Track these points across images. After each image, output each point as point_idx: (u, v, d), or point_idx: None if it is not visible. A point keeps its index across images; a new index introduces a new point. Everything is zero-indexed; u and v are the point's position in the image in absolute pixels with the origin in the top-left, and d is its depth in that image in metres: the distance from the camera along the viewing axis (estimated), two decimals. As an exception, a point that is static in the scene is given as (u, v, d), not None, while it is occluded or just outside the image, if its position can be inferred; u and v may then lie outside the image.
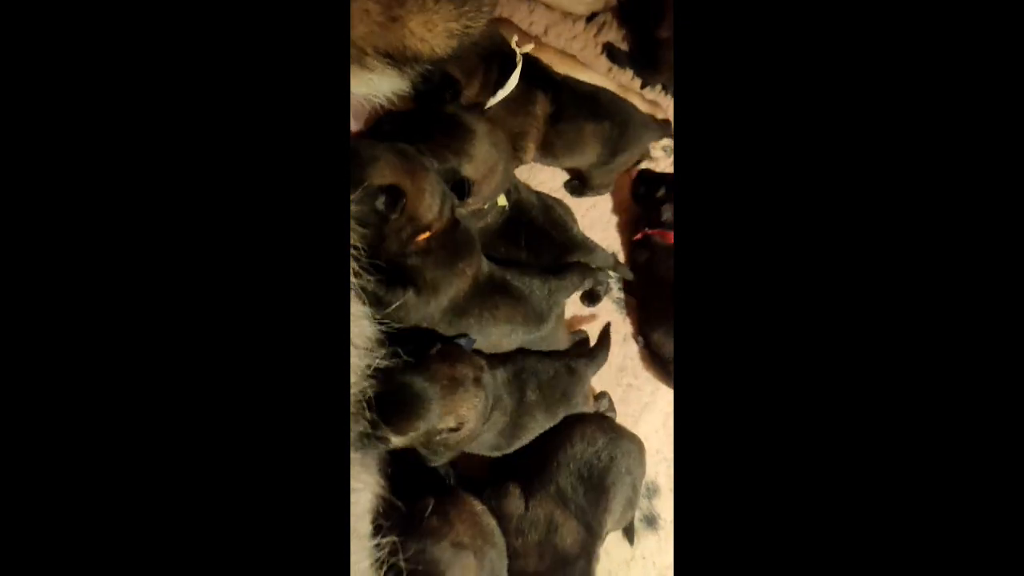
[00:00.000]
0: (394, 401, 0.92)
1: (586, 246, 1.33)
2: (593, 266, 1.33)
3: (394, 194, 0.97)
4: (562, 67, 1.44)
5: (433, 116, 1.11)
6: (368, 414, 0.88)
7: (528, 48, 1.28)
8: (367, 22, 0.93)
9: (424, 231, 1.03)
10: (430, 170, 1.04)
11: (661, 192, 1.42)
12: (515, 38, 1.24)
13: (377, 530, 0.87)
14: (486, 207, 1.23)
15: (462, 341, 1.07)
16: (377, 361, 0.89)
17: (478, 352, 1.13)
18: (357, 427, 0.88)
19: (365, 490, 0.90)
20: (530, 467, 1.18)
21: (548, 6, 1.52)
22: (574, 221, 1.38)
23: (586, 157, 1.39)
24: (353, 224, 0.91)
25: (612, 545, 1.30)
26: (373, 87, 1.06)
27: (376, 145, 1.01)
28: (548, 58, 1.42)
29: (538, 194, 1.34)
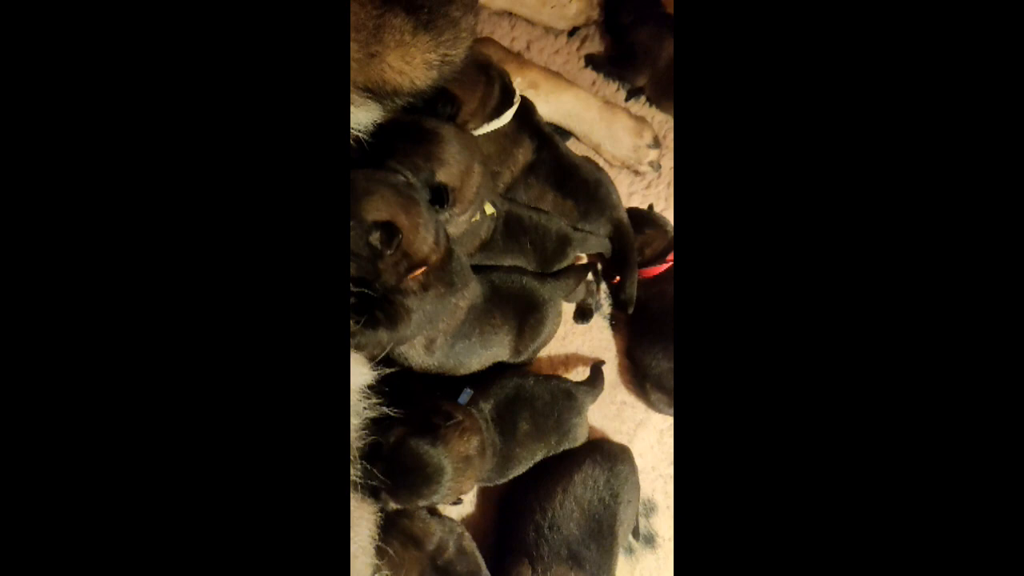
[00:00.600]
0: (405, 474, 0.92)
1: (580, 233, 1.35)
2: (591, 251, 1.38)
3: (390, 231, 0.96)
4: (547, 84, 1.42)
5: (398, 128, 1.08)
6: (360, 463, 0.87)
7: (528, 92, 1.28)
8: (347, 59, 0.91)
9: (420, 266, 1.02)
10: (422, 203, 1.03)
11: None
12: (518, 80, 1.24)
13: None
14: (476, 218, 1.22)
15: (461, 398, 1.06)
16: (367, 411, 0.88)
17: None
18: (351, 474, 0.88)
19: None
20: (534, 531, 1.15)
21: (530, 21, 1.49)
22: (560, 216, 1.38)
23: (552, 208, 1.39)
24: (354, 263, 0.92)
25: (610, 566, 1.30)
26: (354, 120, 1.05)
27: (371, 177, 0.99)
28: (533, 75, 1.41)
29: (520, 202, 1.34)
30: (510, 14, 1.48)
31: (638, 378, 1.41)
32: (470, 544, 1.10)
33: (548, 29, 1.52)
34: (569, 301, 1.40)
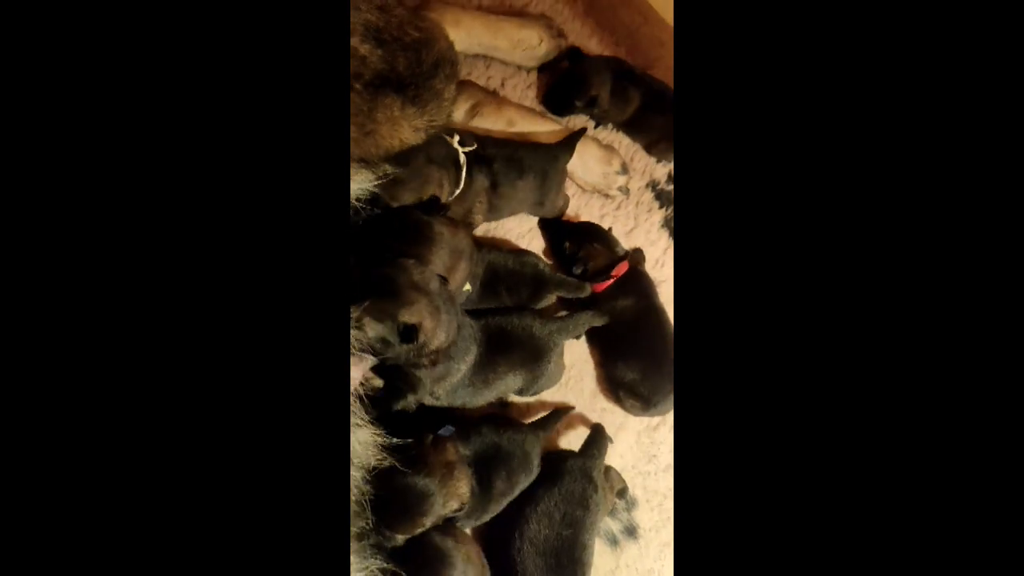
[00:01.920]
0: (396, 505, 1.06)
1: (556, 279, 1.47)
2: (568, 294, 1.49)
3: (413, 333, 1.10)
4: (522, 121, 1.54)
5: (398, 224, 1.22)
6: (368, 514, 1.00)
7: (470, 148, 1.37)
8: (344, 140, 1.03)
9: (432, 355, 1.18)
10: (445, 306, 1.17)
11: (568, 245, 1.53)
12: (456, 138, 1.34)
13: None
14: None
15: (443, 432, 1.20)
16: (375, 462, 1.00)
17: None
18: (356, 526, 1.00)
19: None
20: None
21: (503, 62, 1.60)
22: (542, 260, 1.51)
23: (522, 207, 1.54)
24: (369, 341, 1.03)
25: (597, 556, 1.46)
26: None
27: (414, 284, 1.12)
28: (510, 114, 1.52)
29: (503, 251, 1.46)
30: (485, 56, 1.58)
31: (612, 388, 1.55)
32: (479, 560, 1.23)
33: (520, 68, 1.63)
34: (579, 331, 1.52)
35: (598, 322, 1.49)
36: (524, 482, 1.32)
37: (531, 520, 1.29)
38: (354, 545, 0.97)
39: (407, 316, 1.09)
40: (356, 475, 0.98)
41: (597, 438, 1.42)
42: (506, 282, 1.43)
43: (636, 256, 1.60)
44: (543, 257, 1.55)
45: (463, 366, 1.27)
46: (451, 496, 1.17)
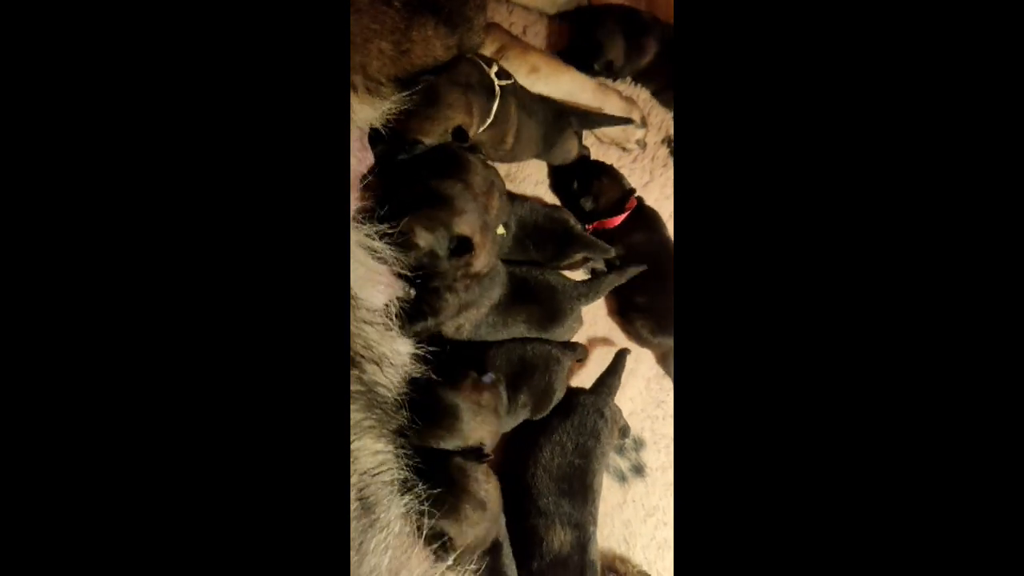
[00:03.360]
0: (428, 414, 1.09)
1: (585, 239, 1.47)
2: (595, 256, 1.50)
3: (467, 246, 1.11)
4: (546, 67, 1.56)
5: (431, 155, 1.22)
6: (404, 413, 1.04)
7: (507, 82, 1.38)
8: (382, 59, 1.05)
9: (473, 276, 1.19)
10: (491, 229, 1.18)
11: (575, 183, 1.54)
12: (493, 69, 1.34)
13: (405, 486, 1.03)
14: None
15: (485, 378, 1.23)
16: (412, 373, 1.04)
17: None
18: (393, 423, 1.04)
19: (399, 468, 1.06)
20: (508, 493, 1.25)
21: (525, 7, 1.62)
22: (573, 218, 1.51)
23: (531, 150, 1.53)
24: (416, 253, 1.05)
25: (605, 491, 1.50)
26: (379, 109, 1.18)
27: (466, 197, 1.14)
28: (534, 59, 1.55)
29: (534, 204, 1.48)
30: (508, 1, 1.61)
31: (624, 311, 1.59)
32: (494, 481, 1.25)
33: (542, 14, 1.65)
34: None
35: (621, 281, 1.50)
36: (546, 405, 1.35)
37: (544, 448, 1.33)
38: (395, 442, 1.00)
39: (461, 227, 1.10)
40: (395, 378, 1.01)
41: (612, 375, 1.46)
42: (534, 237, 1.44)
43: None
44: (572, 215, 1.54)
45: (488, 301, 1.29)
46: (475, 434, 1.18)
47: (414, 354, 1.08)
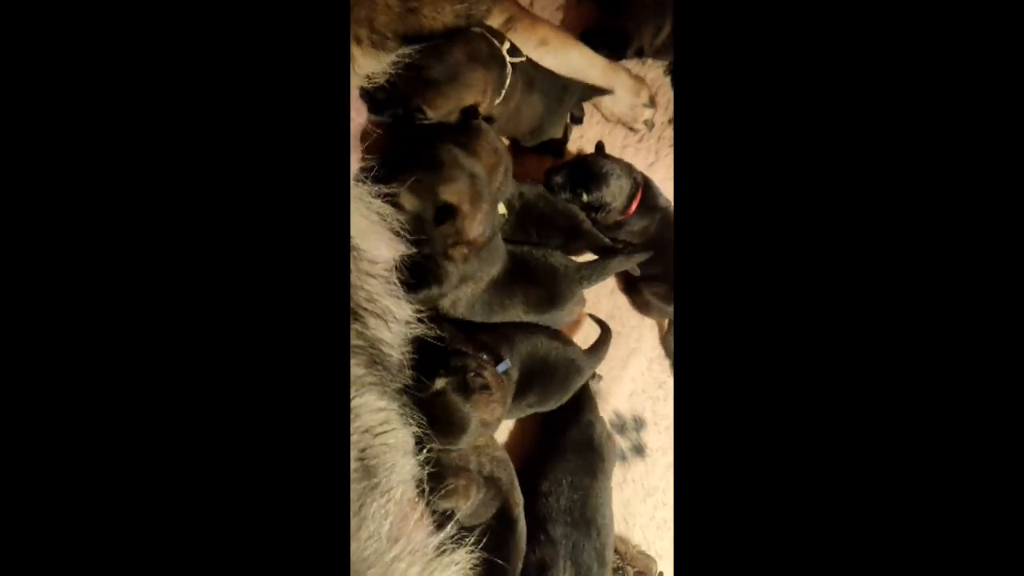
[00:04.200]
0: (439, 421, 1.06)
1: (593, 236, 1.44)
2: (599, 254, 1.45)
3: (450, 212, 1.09)
4: (556, 41, 1.55)
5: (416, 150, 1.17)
6: (409, 374, 1.02)
7: (519, 59, 1.35)
8: (389, 14, 1.03)
9: (466, 245, 1.16)
10: (487, 199, 1.15)
11: (584, 196, 1.43)
12: (505, 45, 1.32)
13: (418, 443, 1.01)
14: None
15: (500, 367, 1.19)
16: (412, 333, 1.02)
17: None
18: (397, 383, 1.02)
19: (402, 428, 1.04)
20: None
21: (536, -21, 1.61)
22: (582, 214, 1.46)
23: (528, 125, 1.48)
24: (408, 216, 1.03)
25: (606, 471, 1.49)
26: (382, 62, 1.16)
27: (460, 164, 1.11)
28: (543, 32, 1.53)
29: (543, 192, 1.44)
30: (518, -28, 1.59)
31: (633, 283, 1.57)
32: (501, 453, 1.24)
33: (552, -13, 1.63)
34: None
35: (626, 266, 1.46)
36: (554, 404, 1.33)
37: (542, 488, 1.29)
38: (398, 401, 0.98)
39: (447, 194, 1.08)
40: (399, 336, 0.98)
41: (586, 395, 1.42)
42: (539, 225, 1.41)
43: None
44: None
45: (486, 276, 1.26)
46: (485, 419, 1.16)
47: (418, 318, 1.06)
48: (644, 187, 1.53)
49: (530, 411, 1.34)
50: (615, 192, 1.44)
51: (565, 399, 1.34)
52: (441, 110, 1.22)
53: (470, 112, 1.26)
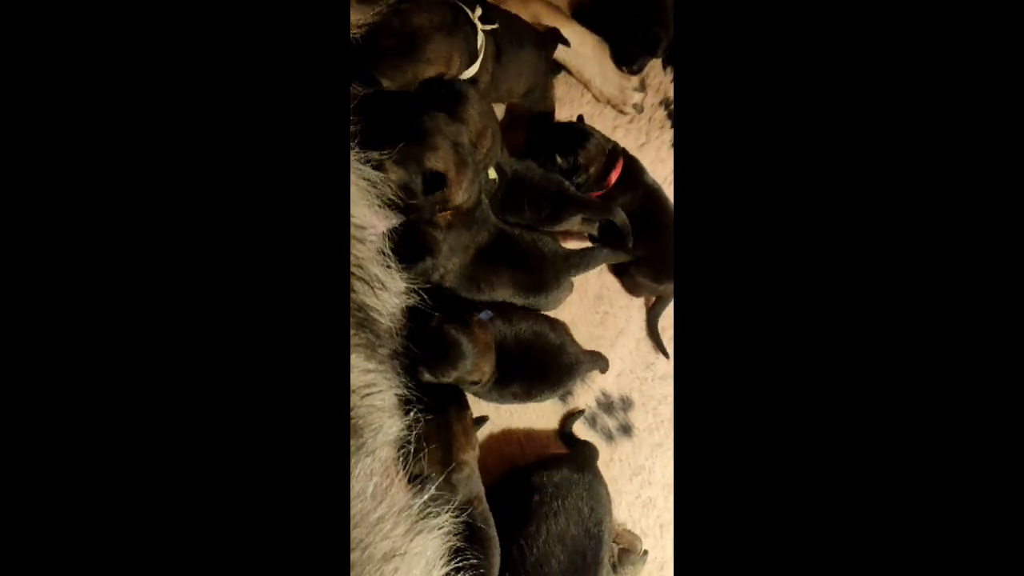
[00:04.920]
0: (439, 349, 1.09)
1: (580, 200, 1.44)
2: (593, 216, 1.47)
3: (438, 181, 1.10)
4: (548, 18, 1.54)
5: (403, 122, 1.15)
6: (399, 339, 1.01)
7: (492, 27, 1.32)
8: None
9: (451, 210, 1.17)
10: (471, 166, 1.16)
11: (560, 159, 1.44)
12: (478, 12, 1.28)
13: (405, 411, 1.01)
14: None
15: (483, 315, 1.22)
16: (407, 303, 1.02)
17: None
18: (385, 348, 1.01)
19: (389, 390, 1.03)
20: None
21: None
22: (567, 181, 1.47)
23: (523, 82, 1.46)
24: (396, 187, 1.03)
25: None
26: (366, 14, 1.11)
27: (443, 132, 1.11)
28: (536, 8, 1.52)
29: (529, 163, 1.44)
30: (512, -52, 1.58)
31: (622, 267, 1.57)
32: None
33: (547, -32, 1.63)
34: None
35: (615, 259, 1.48)
36: (541, 397, 1.34)
37: (559, 512, 1.21)
38: (386, 364, 0.98)
39: (432, 162, 1.08)
40: (389, 304, 0.98)
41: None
42: (529, 194, 1.41)
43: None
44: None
45: (472, 245, 1.26)
46: (476, 370, 1.18)
47: (411, 288, 1.05)
48: (626, 163, 1.53)
49: (514, 401, 1.35)
50: (590, 155, 1.45)
51: (555, 393, 1.34)
52: (397, 82, 1.17)
53: (432, 83, 1.21)
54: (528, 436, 1.47)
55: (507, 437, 1.46)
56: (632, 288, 1.58)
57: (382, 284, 0.97)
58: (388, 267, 1.05)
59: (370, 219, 0.99)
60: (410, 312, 1.08)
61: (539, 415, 1.48)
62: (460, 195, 1.16)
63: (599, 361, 1.47)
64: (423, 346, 1.09)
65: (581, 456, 1.35)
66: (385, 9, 1.08)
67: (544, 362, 1.34)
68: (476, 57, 1.29)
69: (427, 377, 1.10)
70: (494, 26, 1.34)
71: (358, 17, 1.06)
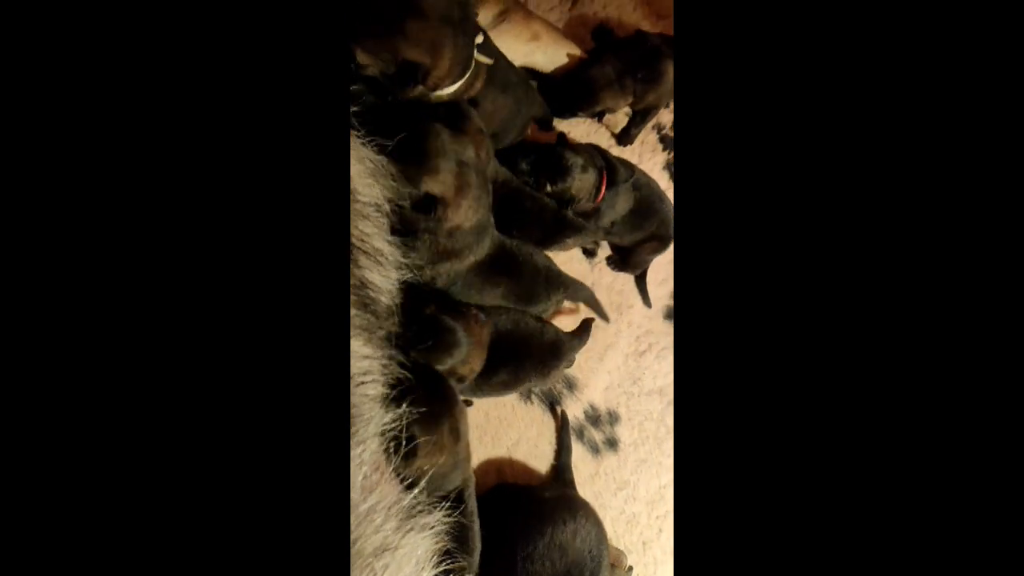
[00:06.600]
0: (433, 338, 1.08)
1: (575, 224, 1.45)
2: (586, 245, 1.54)
3: (432, 204, 1.07)
4: (547, 37, 1.59)
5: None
6: (396, 320, 1.00)
7: (488, 62, 1.31)
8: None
9: (450, 231, 1.15)
10: (474, 187, 1.13)
11: (548, 185, 1.42)
12: (480, 38, 1.26)
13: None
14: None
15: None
16: (403, 277, 1.02)
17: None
18: (383, 329, 1.00)
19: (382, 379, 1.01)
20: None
21: (532, -22, 1.66)
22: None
23: (491, 122, 1.39)
24: (393, 196, 1.01)
25: (579, 460, 1.47)
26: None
27: (446, 154, 1.07)
28: (537, 27, 1.57)
29: (521, 186, 1.43)
30: (515, -31, 1.63)
31: (625, 257, 1.63)
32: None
33: (547, -11, 1.68)
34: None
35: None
36: (529, 383, 1.33)
37: (568, 525, 1.22)
38: (382, 351, 0.96)
39: (429, 185, 1.06)
40: (389, 280, 0.97)
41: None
42: (518, 222, 1.40)
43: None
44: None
45: (472, 257, 1.25)
46: (466, 365, 1.17)
47: (406, 263, 1.05)
48: (607, 168, 1.51)
49: (503, 391, 1.33)
50: (580, 186, 1.44)
51: (543, 377, 1.33)
52: (373, 61, 1.07)
53: (407, 70, 1.09)
54: (516, 443, 1.46)
55: (496, 442, 1.44)
56: (636, 266, 1.62)
57: (385, 258, 0.96)
58: (387, 240, 1.03)
59: (375, 194, 0.97)
60: (408, 288, 1.06)
61: (529, 422, 1.47)
62: (458, 216, 1.14)
63: (582, 340, 1.43)
64: (419, 333, 1.07)
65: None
66: None
67: (528, 344, 1.32)
68: (468, 69, 1.25)
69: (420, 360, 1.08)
70: (488, 61, 1.32)
71: None
